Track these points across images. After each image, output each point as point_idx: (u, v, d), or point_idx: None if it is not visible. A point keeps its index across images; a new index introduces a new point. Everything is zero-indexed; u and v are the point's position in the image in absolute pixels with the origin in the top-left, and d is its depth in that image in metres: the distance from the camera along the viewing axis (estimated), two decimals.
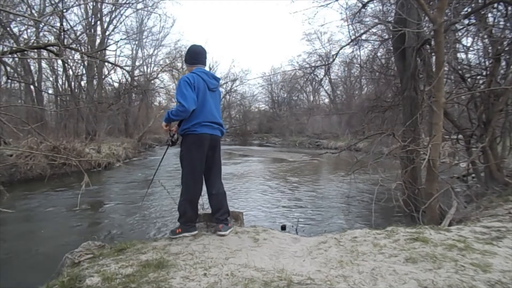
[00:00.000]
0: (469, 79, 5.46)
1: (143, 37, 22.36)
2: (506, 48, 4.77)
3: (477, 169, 5.08)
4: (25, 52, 7.04)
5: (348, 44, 6.96)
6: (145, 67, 24.92)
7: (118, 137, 17.87)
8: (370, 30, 7.83)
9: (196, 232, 2.68)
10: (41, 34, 10.99)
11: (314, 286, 1.74)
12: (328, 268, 1.97)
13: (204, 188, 2.76)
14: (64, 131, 13.53)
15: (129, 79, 16.11)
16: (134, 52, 23.23)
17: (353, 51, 15.48)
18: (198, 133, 2.58)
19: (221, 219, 2.72)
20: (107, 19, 17.10)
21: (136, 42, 21.99)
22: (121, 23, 19.41)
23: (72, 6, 11.36)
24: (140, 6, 11.91)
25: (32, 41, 10.44)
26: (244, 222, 3.17)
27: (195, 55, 2.75)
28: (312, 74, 9.27)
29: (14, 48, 7.14)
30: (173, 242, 2.53)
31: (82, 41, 11.61)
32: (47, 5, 11.77)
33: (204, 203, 3.99)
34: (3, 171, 8.06)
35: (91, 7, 15.04)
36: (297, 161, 14.09)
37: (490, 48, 5.19)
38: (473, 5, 5.02)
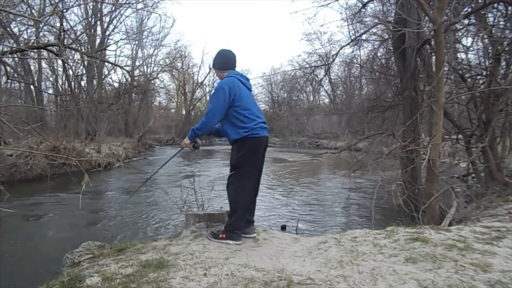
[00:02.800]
0: (469, 79, 5.46)
1: (143, 37, 22.40)
2: (506, 48, 4.77)
3: (477, 169, 5.08)
4: (25, 52, 7.03)
5: (348, 44, 6.98)
6: (145, 67, 24.96)
7: (118, 137, 17.88)
8: (370, 30, 7.84)
9: (241, 242, 2.47)
10: (41, 34, 10.99)
11: (314, 286, 1.74)
12: (328, 268, 1.97)
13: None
14: (64, 131, 13.54)
15: (129, 79, 16.13)
16: (134, 52, 23.26)
17: (353, 51, 15.49)
18: (259, 136, 2.48)
19: (253, 221, 2.71)
20: (107, 19, 17.13)
21: (136, 42, 22.02)
22: (121, 23, 19.47)
23: (72, 6, 11.39)
24: (140, 6, 11.91)
25: (32, 41, 10.44)
26: None
27: (227, 60, 2.67)
28: (312, 74, 9.29)
29: (14, 48, 7.12)
30: (173, 242, 2.53)
31: (82, 41, 11.59)
32: (47, 5, 11.79)
33: (204, 203, 3.99)
34: (3, 171, 8.06)
35: (91, 7, 15.05)
36: (297, 161, 14.09)
37: (490, 48, 5.19)
38: (473, 5, 5.02)
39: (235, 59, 2.72)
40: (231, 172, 2.52)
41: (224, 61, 2.67)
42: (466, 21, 5.26)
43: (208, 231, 2.64)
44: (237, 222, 2.50)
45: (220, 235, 2.48)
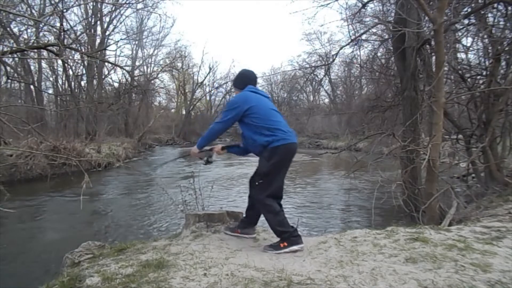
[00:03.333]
0: (469, 79, 5.47)
1: (143, 37, 22.41)
2: (506, 48, 4.77)
3: (477, 169, 5.09)
4: (25, 52, 7.03)
5: (348, 44, 6.98)
6: (145, 67, 24.97)
7: (118, 137, 17.88)
8: (370, 30, 7.83)
9: (303, 244, 2.40)
10: (41, 34, 10.98)
11: (314, 286, 1.74)
12: (328, 268, 1.97)
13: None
14: (64, 131, 13.54)
15: (129, 79, 16.14)
16: (134, 52, 23.26)
17: (353, 51, 15.44)
18: (290, 143, 2.43)
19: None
20: (107, 19, 17.14)
21: (136, 42, 22.03)
22: (121, 23, 19.39)
23: (72, 6, 11.39)
24: (140, 6, 11.92)
25: (32, 41, 10.44)
26: None
27: (246, 79, 2.66)
28: (312, 74, 9.30)
29: (14, 48, 7.13)
30: (173, 242, 2.53)
31: (82, 41, 11.60)
32: (47, 5, 11.79)
33: (204, 203, 3.99)
34: (3, 171, 8.06)
35: (91, 7, 15.05)
36: (297, 161, 14.07)
37: (490, 48, 5.19)
38: (473, 5, 5.02)
39: (255, 78, 2.72)
40: (260, 181, 2.45)
41: (244, 80, 2.66)
42: (466, 21, 5.26)
43: (267, 246, 2.44)
44: (288, 228, 2.42)
45: (282, 244, 2.37)
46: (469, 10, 5.06)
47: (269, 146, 2.40)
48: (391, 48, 6.77)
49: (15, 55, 8.62)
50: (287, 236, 2.39)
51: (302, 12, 13.87)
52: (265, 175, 2.44)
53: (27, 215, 5.91)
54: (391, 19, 6.68)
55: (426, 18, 4.57)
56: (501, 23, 5.05)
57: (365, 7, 6.59)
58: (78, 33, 11.58)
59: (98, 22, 16.53)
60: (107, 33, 17.57)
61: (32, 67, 15.09)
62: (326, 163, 13.11)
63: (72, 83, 15.82)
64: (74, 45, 8.36)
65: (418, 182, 5.05)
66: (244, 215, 2.79)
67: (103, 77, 17.29)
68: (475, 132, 5.06)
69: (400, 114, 6.46)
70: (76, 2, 10.53)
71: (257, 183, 2.47)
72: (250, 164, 13.44)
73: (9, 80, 12.64)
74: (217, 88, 34.51)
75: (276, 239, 2.47)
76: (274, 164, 2.40)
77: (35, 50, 7.65)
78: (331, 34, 29.76)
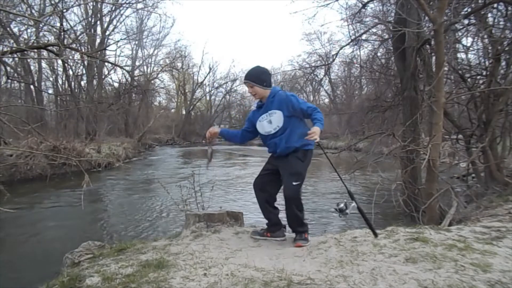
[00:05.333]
0: (469, 79, 5.46)
1: (143, 37, 22.45)
2: (506, 48, 4.77)
3: (477, 169, 5.08)
4: (25, 52, 7.04)
5: (348, 44, 6.99)
6: (145, 67, 25.02)
7: (118, 137, 17.90)
8: (370, 30, 7.84)
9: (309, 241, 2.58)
10: (41, 34, 11.00)
11: (314, 286, 1.74)
12: (328, 268, 1.97)
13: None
14: (64, 131, 13.56)
15: (129, 79, 16.19)
16: (134, 52, 23.29)
17: (353, 51, 15.47)
18: (313, 150, 2.62)
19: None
20: (107, 19, 17.16)
21: (136, 42, 22.04)
22: (121, 23, 19.43)
23: (72, 6, 11.40)
24: (140, 6, 11.92)
25: (32, 41, 10.45)
26: (244, 222, 3.16)
27: (271, 77, 2.66)
28: (312, 74, 9.28)
29: (14, 48, 7.14)
30: (173, 242, 2.53)
31: (82, 41, 11.62)
32: (47, 5, 11.80)
33: (204, 203, 3.99)
34: (3, 171, 8.07)
35: (91, 7, 15.05)
36: None
37: (490, 48, 5.19)
38: (473, 5, 5.02)
39: None
40: (298, 181, 2.48)
41: (270, 78, 2.63)
42: (466, 21, 5.26)
43: (297, 238, 2.56)
44: (305, 222, 2.61)
45: (305, 235, 2.56)
46: (469, 10, 5.06)
47: (303, 148, 2.51)
48: (391, 48, 6.78)
49: (15, 55, 8.63)
50: (306, 229, 2.58)
51: (302, 12, 13.95)
52: (301, 175, 2.51)
53: (27, 215, 5.91)
54: (391, 19, 6.69)
55: (426, 18, 4.58)
56: (501, 23, 5.05)
57: (365, 7, 6.60)
58: (78, 33, 11.61)
59: (98, 22, 16.55)
60: (107, 33, 17.60)
61: (32, 67, 15.12)
62: (326, 163, 13.03)
63: (72, 83, 15.85)
64: (74, 45, 8.35)
65: (418, 182, 5.05)
66: (270, 221, 2.71)
67: (103, 77, 17.30)
68: (475, 132, 5.06)
69: (400, 114, 6.46)
70: (76, 2, 10.54)
71: (294, 183, 2.47)
72: (251, 164, 13.44)
73: (9, 80, 12.66)
74: (217, 88, 34.52)
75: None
76: (307, 165, 2.55)
77: (35, 50, 7.66)
78: (331, 34, 29.81)
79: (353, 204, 2.35)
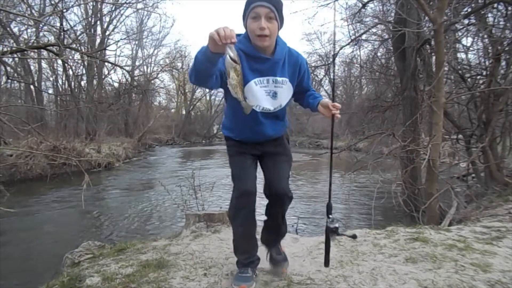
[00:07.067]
0: (469, 79, 5.46)
1: (143, 37, 22.38)
2: (506, 48, 4.77)
3: (477, 169, 5.09)
4: (25, 52, 7.04)
5: (348, 44, 6.96)
6: (145, 67, 24.94)
7: (118, 137, 17.88)
8: (370, 30, 7.83)
9: None
10: (41, 34, 10.99)
11: (314, 286, 1.74)
12: (328, 268, 1.97)
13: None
14: (64, 131, 13.55)
15: (129, 79, 16.15)
16: (134, 52, 23.24)
17: (353, 51, 15.44)
18: None
19: None
20: (107, 19, 17.12)
21: (136, 42, 22.01)
22: (121, 23, 19.36)
23: (72, 6, 11.35)
24: (140, 6, 11.89)
25: (32, 41, 10.43)
26: None
27: None
28: (312, 74, 9.24)
29: (14, 48, 7.14)
30: (173, 242, 2.53)
31: (82, 41, 11.61)
32: (47, 5, 11.77)
33: (204, 203, 3.99)
34: (3, 171, 8.06)
35: (91, 7, 15.02)
36: (297, 161, 14.07)
37: (490, 48, 5.19)
38: (473, 5, 5.02)
39: None
40: (290, 172, 1.93)
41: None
42: (466, 21, 5.26)
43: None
44: None
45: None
46: (469, 10, 5.06)
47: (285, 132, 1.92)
48: (391, 48, 6.78)
49: (15, 55, 8.61)
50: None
51: (302, 12, 13.92)
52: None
53: (27, 215, 5.90)
54: (391, 19, 6.69)
55: (426, 18, 4.58)
56: (501, 23, 5.04)
57: (365, 7, 6.59)
58: (78, 33, 11.57)
59: (98, 22, 16.52)
60: (107, 33, 17.55)
61: (32, 67, 15.09)
62: (326, 163, 13.10)
63: (72, 83, 15.83)
64: (74, 45, 8.36)
65: (418, 182, 5.05)
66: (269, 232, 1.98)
67: (103, 77, 17.27)
68: (475, 132, 5.06)
69: (400, 114, 6.47)
70: (76, 2, 10.53)
71: (288, 175, 1.86)
72: None
73: (9, 80, 12.63)
74: None
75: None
76: None
77: (35, 50, 7.66)
78: (331, 34, 29.69)
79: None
